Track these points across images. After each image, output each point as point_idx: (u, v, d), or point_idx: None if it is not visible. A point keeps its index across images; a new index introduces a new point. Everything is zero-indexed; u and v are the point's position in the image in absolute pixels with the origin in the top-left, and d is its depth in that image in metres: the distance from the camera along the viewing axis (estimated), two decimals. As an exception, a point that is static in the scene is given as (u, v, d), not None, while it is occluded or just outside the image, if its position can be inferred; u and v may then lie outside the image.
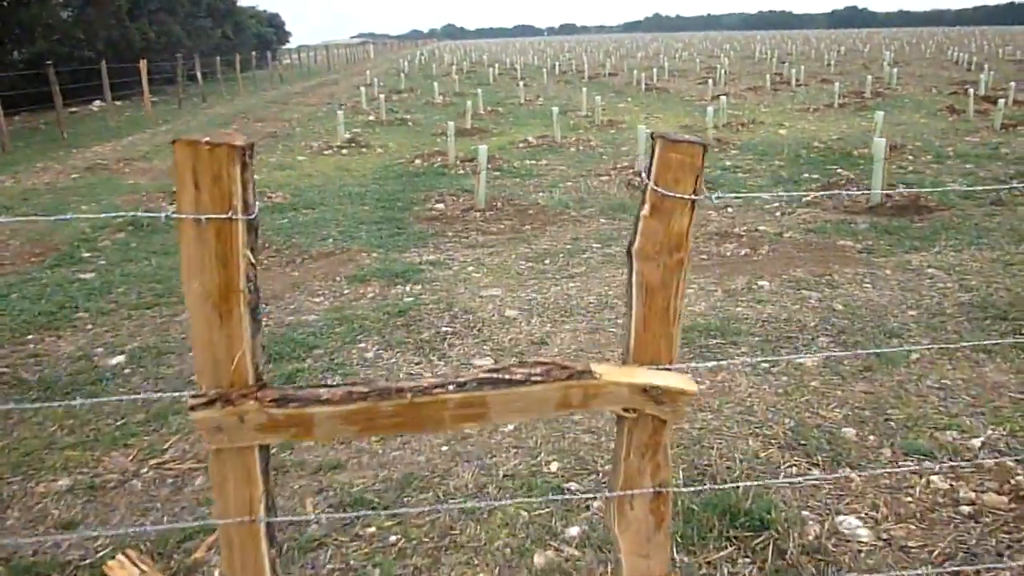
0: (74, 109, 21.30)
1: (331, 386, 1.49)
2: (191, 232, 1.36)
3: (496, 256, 6.27)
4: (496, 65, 35.84)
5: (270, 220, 7.72)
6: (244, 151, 1.32)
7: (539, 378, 1.49)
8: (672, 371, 1.57)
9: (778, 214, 7.51)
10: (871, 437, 3.36)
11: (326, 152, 12.61)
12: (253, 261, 1.40)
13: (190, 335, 1.47)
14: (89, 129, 17.51)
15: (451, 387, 1.47)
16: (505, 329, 4.68)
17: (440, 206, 8.16)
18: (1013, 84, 16.41)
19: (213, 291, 1.40)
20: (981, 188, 8.24)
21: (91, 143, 15.01)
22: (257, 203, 1.39)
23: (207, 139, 1.30)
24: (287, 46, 62.91)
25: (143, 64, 20.62)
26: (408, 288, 5.52)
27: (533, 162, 10.92)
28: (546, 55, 50.58)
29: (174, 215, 1.36)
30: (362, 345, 4.49)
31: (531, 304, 5.12)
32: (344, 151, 12.64)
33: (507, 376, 1.48)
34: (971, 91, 15.75)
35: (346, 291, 5.53)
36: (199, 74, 25.13)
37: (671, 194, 1.45)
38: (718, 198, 1.54)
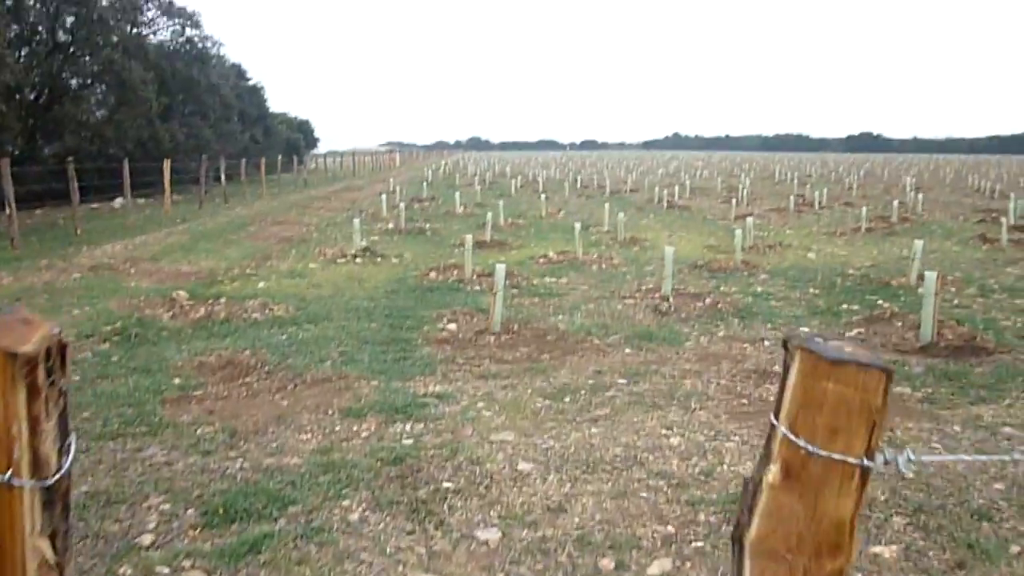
0: (95, 205, 21.35)
1: None
2: (-60, 504, 0.74)
3: (510, 390, 5.61)
4: (519, 177, 36.09)
5: (267, 336, 7.14)
6: (35, 362, 0.71)
7: None
8: None
9: (821, 350, 6.84)
10: (985, 676, 2.59)
11: (339, 260, 12.18)
12: (50, 557, 0.76)
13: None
14: (105, 226, 17.35)
15: None
16: (517, 488, 3.96)
17: (452, 327, 7.57)
18: (1047, 214, 15.98)
19: (-19, 607, 0.77)
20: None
21: (104, 241, 14.75)
22: (69, 456, 0.77)
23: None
24: (315, 151, 64.45)
25: (166, 164, 20.72)
26: (408, 427, 4.84)
27: (553, 280, 10.38)
28: (568, 169, 51.28)
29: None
30: (347, 503, 3.79)
31: (548, 454, 4.41)
32: (358, 260, 12.21)
33: None
34: (1003, 220, 15.29)
35: (338, 427, 4.85)
36: (223, 175, 25.32)
37: (825, 454, 0.82)
38: (910, 461, 0.98)
